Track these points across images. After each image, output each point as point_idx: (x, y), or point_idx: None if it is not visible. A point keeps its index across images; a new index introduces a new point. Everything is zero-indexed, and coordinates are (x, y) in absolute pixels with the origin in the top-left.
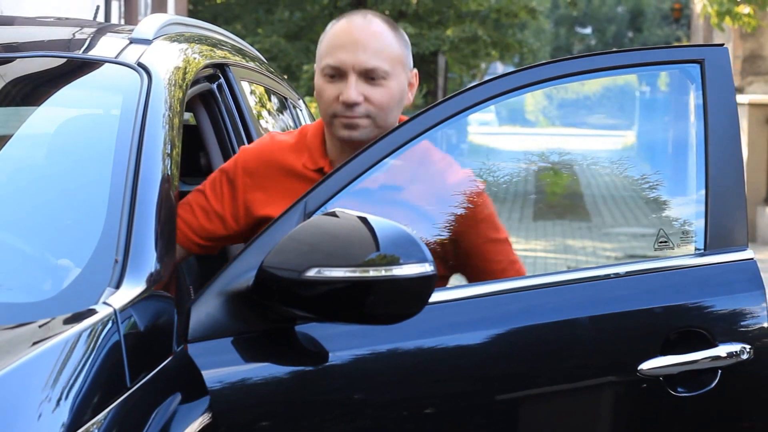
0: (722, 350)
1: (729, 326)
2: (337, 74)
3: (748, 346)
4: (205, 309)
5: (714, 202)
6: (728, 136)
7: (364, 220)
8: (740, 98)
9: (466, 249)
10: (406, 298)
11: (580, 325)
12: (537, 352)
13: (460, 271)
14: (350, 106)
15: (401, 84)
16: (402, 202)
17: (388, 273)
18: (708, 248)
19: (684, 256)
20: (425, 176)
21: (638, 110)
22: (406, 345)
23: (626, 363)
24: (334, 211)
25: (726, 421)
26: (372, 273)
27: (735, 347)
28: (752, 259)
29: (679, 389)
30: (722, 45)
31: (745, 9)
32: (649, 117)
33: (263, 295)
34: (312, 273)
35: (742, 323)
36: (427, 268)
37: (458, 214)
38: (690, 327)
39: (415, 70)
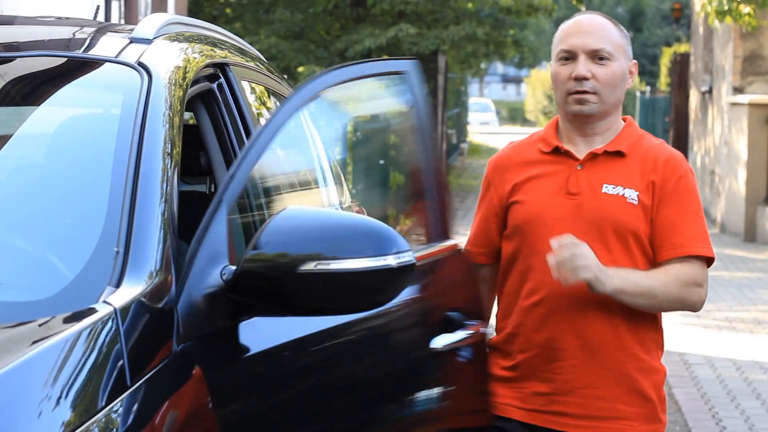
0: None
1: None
2: (570, 57)
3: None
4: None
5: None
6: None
7: (331, 214)
8: (740, 98)
9: None
10: (392, 285)
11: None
12: (362, 342)
13: None
14: (580, 80)
15: (623, 68)
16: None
17: (381, 263)
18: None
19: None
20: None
21: None
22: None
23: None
24: (294, 208)
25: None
26: (369, 264)
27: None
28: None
29: (460, 356)
30: (414, 58)
31: (745, 8)
32: None
33: (243, 293)
34: (309, 267)
35: None
36: (408, 257)
37: None
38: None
39: (635, 62)
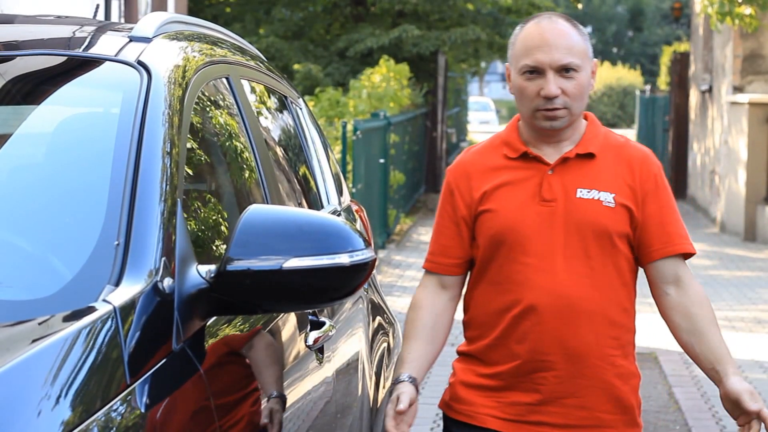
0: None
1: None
2: (536, 71)
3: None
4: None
5: None
6: None
7: (291, 213)
8: (740, 98)
9: None
10: (345, 283)
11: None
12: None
13: None
14: (550, 99)
15: (588, 74)
16: None
17: (356, 258)
18: None
19: None
20: None
21: None
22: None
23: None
24: (259, 207)
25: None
26: (347, 259)
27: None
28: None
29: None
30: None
31: (746, 10)
32: None
33: (227, 291)
34: (293, 264)
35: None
36: (363, 255)
37: None
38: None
39: (596, 60)
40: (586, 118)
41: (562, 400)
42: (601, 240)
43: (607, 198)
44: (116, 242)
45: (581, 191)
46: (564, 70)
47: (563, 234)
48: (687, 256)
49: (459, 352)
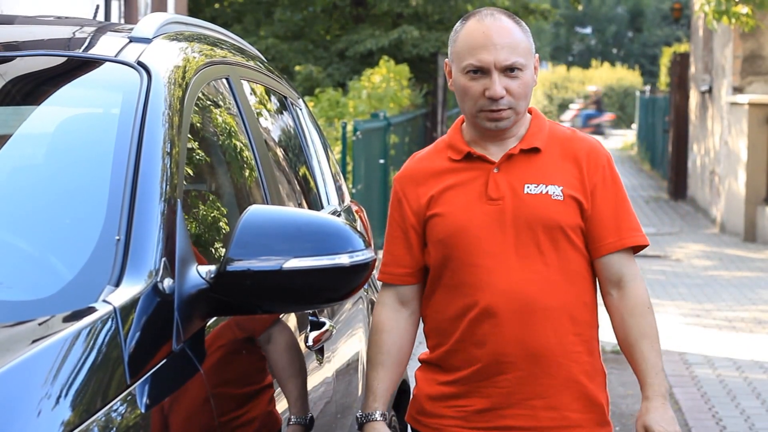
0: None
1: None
2: (480, 72)
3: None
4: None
5: None
6: None
7: (292, 213)
8: (740, 98)
9: None
10: (345, 283)
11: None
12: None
13: None
14: (496, 99)
15: (531, 71)
16: None
17: (356, 258)
18: None
19: None
20: None
21: None
22: None
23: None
24: (259, 207)
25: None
26: (347, 260)
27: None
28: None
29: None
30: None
31: (743, 9)
32: None
33: (226, 292)
34: (293, 264)
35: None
36: (363, 255)
37: None
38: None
39: (537, 55)
40: (530, 112)
41: (529, 401)
42: (552, 234)
43: (555, 191)
44: (117, 237)
45: (528, 186)
46: (509, 70)
47: (513, 232)
48: (638, 249)
49: (421, 360)
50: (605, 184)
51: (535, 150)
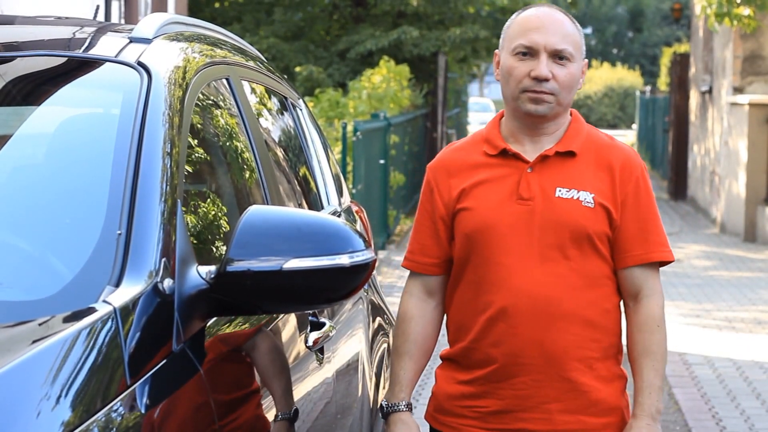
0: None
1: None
2: (529, 53)
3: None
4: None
5: None
6: None
7: (292, 213)
8: (740, 98)
9: None
10: (345, 284)
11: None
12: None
13: None
14: (540, 81)
15: (579, 69)
16: None
17: (357, 259)
18: None
19: None
20: None
21: None
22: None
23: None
24: (260, 207)
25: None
26: (347, 260)
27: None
28: None
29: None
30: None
31: (744, 10)
32: None
33: (227, 292)
34: (293, 264)
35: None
36: (363, 256)
37: None
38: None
39: (586, 60)
40: (571, 114)
41: (546, 405)
42: (579, 240)
43: (587, 198)
44: (119, 231)
45: (560, 190)
46: (558, 57)
47: (540, 234)
48: (664, 263)
49: (442, 357)
50: (637, 196)
51: (571, 154)
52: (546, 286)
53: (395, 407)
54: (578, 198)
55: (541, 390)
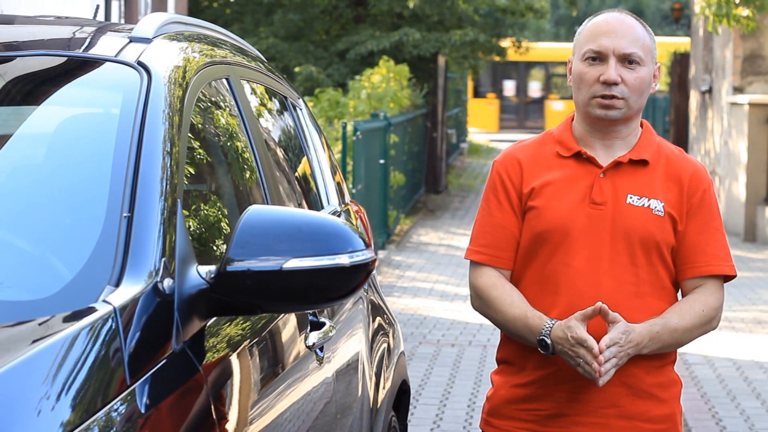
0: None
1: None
2: (599, 58)
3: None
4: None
5: None
6: None
7: (292, 213)
8: (740, 98)
9: None
10: (345, 283)
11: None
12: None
13: None
14: (609, 85)
15: (650, 73)
16: None
17: (356, 258)
18: None
19: None
20: None
21: None
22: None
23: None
24: (259, 207)
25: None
26: (346, 260)
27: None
28: None
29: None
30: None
31: (743, 11)
32: None
33: (227, 292)
34: (293, 264)
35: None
36: (363, 256)
37: None
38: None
39: (659, 65)
40: (642, 125)
41: (603, 409)
42: (647, 248)
43: (657, 206)
44: (126, 214)
45: (632, 197)
46: (627, 61)
47: (610, 240)
48: (727, 278)
49: (498, 360)
50: (701, 208)
51: (644, 162)
52: (611, 291)
53: (550, 326)
54: (649, 206)
55: (599, 394)
